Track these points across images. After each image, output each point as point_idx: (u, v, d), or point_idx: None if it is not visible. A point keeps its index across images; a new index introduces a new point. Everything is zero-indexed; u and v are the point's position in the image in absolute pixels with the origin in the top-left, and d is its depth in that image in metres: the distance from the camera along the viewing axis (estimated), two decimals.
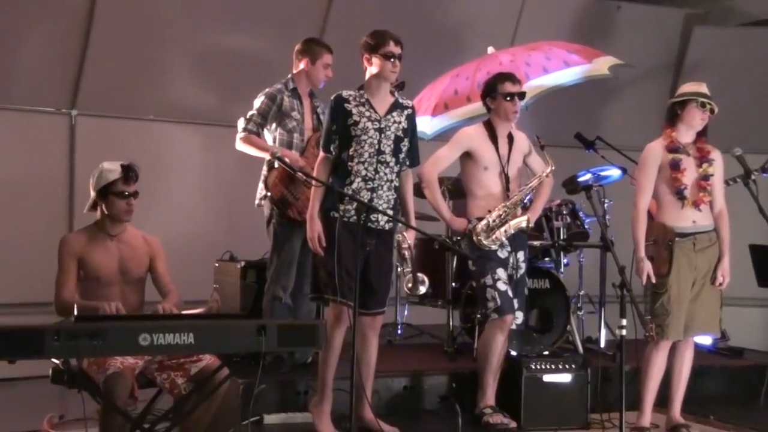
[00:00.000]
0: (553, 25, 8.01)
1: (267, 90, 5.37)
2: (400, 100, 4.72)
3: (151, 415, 4.33)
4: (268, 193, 5.26)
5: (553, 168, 5.13)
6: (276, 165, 5.22)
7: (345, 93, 4.64)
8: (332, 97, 4.66)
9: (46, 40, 6.82)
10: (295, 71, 5.45)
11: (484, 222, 5.00)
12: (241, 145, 5.34)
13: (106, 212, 4.41)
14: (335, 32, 7.28)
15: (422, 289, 4.58)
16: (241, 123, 5.35)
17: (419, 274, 4.57)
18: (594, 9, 8.40)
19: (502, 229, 5.00)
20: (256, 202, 5.39)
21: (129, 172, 4.38)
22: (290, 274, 5.29)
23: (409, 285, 4.58)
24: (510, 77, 5.11)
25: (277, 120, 5.33)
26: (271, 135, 5.36)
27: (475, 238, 5.01)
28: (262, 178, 5.36)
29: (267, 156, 5.29)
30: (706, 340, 5.82)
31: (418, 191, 5.08)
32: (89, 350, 3.42)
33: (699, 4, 8.95)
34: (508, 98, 5.04)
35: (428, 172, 5.06)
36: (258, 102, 5.35)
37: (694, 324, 4.99)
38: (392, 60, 4.58)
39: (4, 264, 6.66)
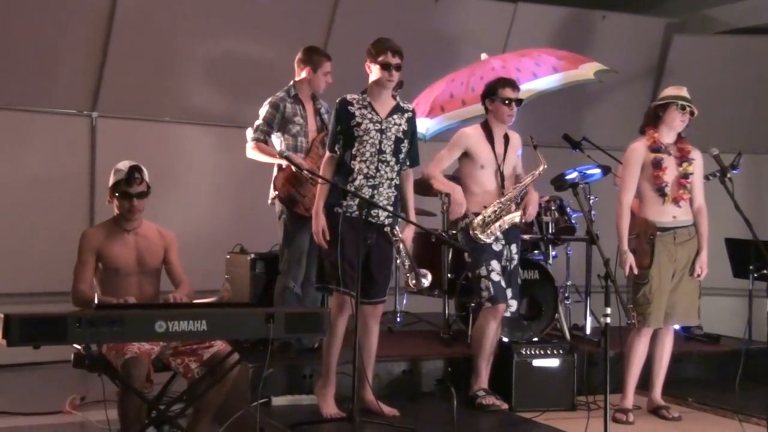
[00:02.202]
0: (542, 33, 7.99)
1: (270, 99, 5.35)
2: (401, 104, 4.71)
3: (166, 397, 4.31)
4: (277, 192, 5.24)
5: (545, 167, 5.12)
6: (284, 166, 5.22)
7: (349, 96, 4.63)
8: (337, 101, 4.64)
9: (69, 48, 6.82)
10: (297, 78, 5.42)
11: (480, 217, 4.99)
12: (251, 153, 5.34)
13: (116, 209, 4.39)
14: (339, 40, 7.27)
15: (425, 283, 4.54)
16: (249, 133, 5.34)
17: (421, 270, 4.54)
18: (580, 18, 8.38)
19: (497, 224, 4.98)
20: (269, 201, 5.38)
21: (132, 174, 4.32)
22: (300, 265, 5.27)
23: (413, 281, 4.54)
24: (511, 83, 5.09)
25: (282, 126, 5.31)
26: (278, 140, 5.35)
27: (471, 232, 4.99)
28: (274, 179, 5.35)
29: (276, 161, 5.27)
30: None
31: (418, 189, 5.06)
32: (109, 336, 3.42)
33: (678, 13, 8.94)
34: (507, 102, 5.02)
35: (431, 169, 5.06)
36: (263, 111, 5.33)
37: (674, 312, 4.99)
38: (389, 69, 4.56)
39: (29, 255, 6.65)
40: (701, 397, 5.42)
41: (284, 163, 5.16)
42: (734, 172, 5.17)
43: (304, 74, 5.38)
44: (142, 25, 6.90)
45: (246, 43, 7.30)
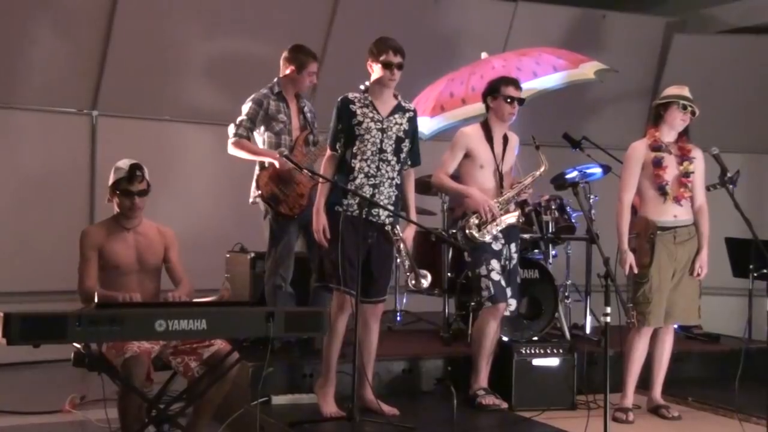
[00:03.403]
0: (543, 32, 7.98)
1: (254, 95, 5.32)
2: (403, 104, 4.71)
3: (166, 396, 4.30)
4: (260, 191, 5.23)
5: (547, 167, 5.12)
6: (266, 164, 5.20)
7: (351, 95, 4.63)
8: (339, 99, 4.64)
9: (69, 47, 6.82)
10: (281, 75, 5.40)
11: (475, 215, 4.98)
12: (232, 150, 5.30)
13: (116, 207, 4.39)
14: (338, 40, 7.27)
15: (425, 283, 4.54)
16: (231, 129, 5.30)
17: (421, 270, 4.54)
18: (581, 17, 8.39)
19: (494, 223, 4.98)
20: (250, 200, 5.35)
21: (133, 172, 4.30)
22: (288, 265, 5.26)
23: (412, 282, 4.55)
24: (515, 82, 5.09)
25: (265, 123, 5.28)
26: (260, 137, 5.32)
27: (467, 231, 4.99)
28: (255, 177, 5.32)
29: (257, 158, 5.25)
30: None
31: (419, 188, 5.06)
32: (109, 335, 3.42)
33: (678, 12, 8.94)
34: (509, 101, 5.02)
35: (438, 177, 5.06)
36: (246, 107, 5.30)
37: (674, 312, 4.98)
38: (391, 69, 4.56)
39: (29, 255, 6.65)
40: (701, 397, 5.42)
41: (267, 161, 5.16)
42: (733, 187, 5.19)
43: (288, 72, 5.37)
44: (143, 24, 6.89)
45: (246, 42, 7.30)
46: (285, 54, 5.40)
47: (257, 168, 5.31)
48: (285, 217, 5.20)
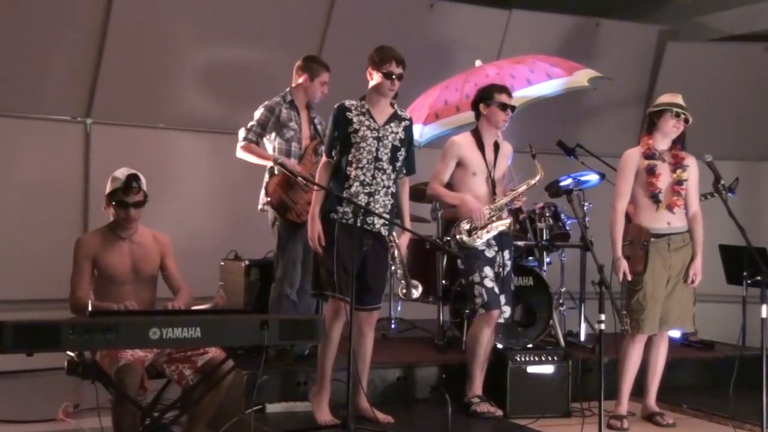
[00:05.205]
0: (537, 40, 8.00)
1: (266, 102, 5.37)
2: (399, 112, 4.71)
3: (160, 404, 4.30)
4: (269, 198, 5.24)
5: (542, 176, 5.12)
6: (276, 171, 5.22)
7: (347, 102, 4.63)
8: (335, 106, 4.65)
9: (64, 54, 6.81)
10: (294, 85, 5.45)
11: (465, 220, 4.97)
12: (241, 153, 5.35)
13: (111, 216, 4.37)
14: (333, 47, 7.27)
15: (416, 294, 4.57)
16: (241, 133, 5.35)
17: (413, 281, 4.55)
18: (574, 25, 8.41)
19: (485, 230, 4.98)
20: (259, 207, 5.37)
21: (130, 183, 4.27)
22: (296, 272, 5.27)
23: (403, 291, 4.56)
24: (507, 90, 5.12)
25: (276, 130, 5.32)
26: (270, 144, 5.36)
27: (458, 236, 5.00)
28: (264, 185, 5.34)
29: (266, 163, 5.28)
30: (674, 333, 5.81)
31: (413, 196, 5.06)
32: (102, 343, 3.41)
33: (671, 21, 8.97)
34: (503, 107, 5.03)
35: (432, 188, 5.07)
36: (258, 113, 5.35)
37: (668, 319, 4.99)
38: (391, 79, 4.57)
39: (23, 263, 6.63)
40: (695, 404, 5.42)
41: (272, 166, 5.16)
42: (731, 195, 5.19)
43: (300, 81, 5.40)
44: (137, 31, 6.89)
45: (240, 49, 7.30)
46: (298, 63, 5.46)
47: (266, 175, 5.33)
48: (294, 225, 5.21)
